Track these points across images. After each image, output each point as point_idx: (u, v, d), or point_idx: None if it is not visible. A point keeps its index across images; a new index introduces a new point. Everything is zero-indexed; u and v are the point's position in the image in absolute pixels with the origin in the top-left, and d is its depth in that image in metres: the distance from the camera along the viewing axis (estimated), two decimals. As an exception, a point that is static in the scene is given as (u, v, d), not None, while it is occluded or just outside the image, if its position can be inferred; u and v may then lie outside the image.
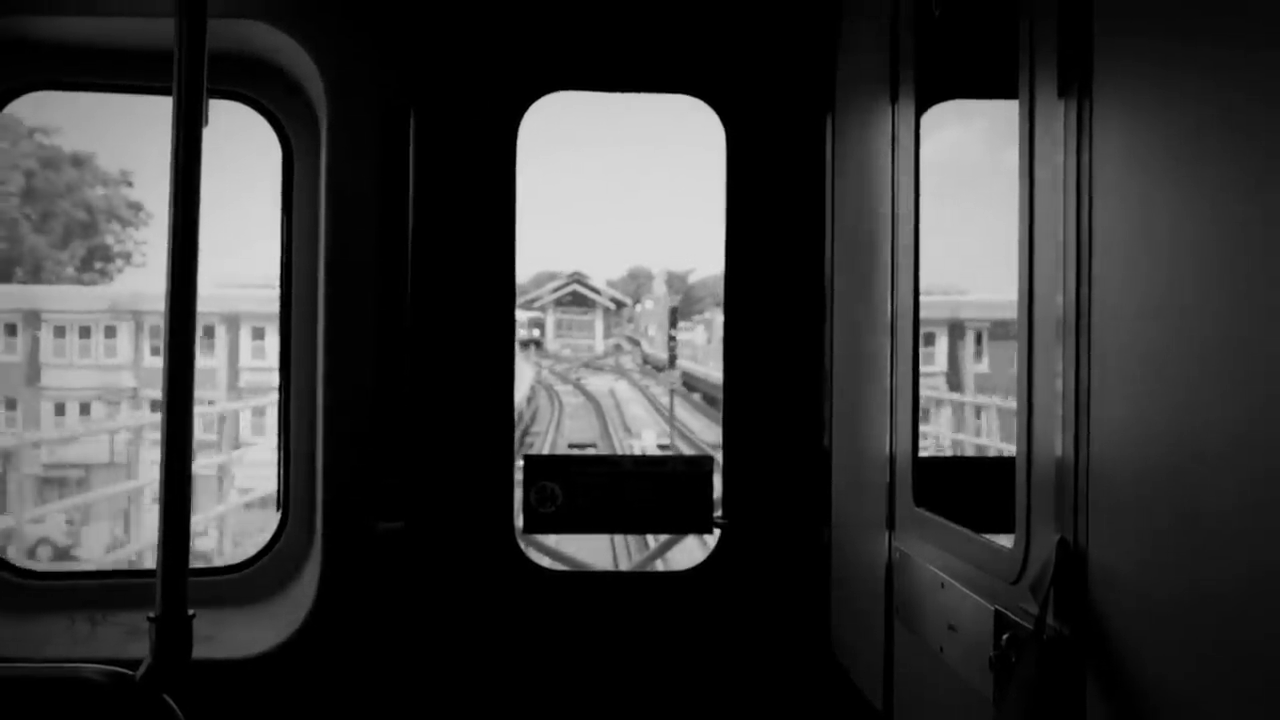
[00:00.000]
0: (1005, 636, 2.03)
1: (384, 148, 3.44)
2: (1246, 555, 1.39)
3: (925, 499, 2.74)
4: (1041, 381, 1.99)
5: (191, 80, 2.55)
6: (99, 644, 3.37)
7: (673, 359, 39.57)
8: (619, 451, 25.53)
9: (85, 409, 25.94)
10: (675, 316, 46.04)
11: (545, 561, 4.09)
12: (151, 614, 2.54)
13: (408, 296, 3.52)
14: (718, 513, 3.75)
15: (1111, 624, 1.72)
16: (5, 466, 9.85)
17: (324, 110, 3.43)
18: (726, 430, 3.83)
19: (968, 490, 2.92)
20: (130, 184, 36.89)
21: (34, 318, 26.84)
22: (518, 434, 28.20)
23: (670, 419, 29.04)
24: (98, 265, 35.75)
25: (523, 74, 3.67)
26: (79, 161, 34.66)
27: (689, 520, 3.73)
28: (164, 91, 2.78)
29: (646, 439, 27.41)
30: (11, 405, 25.06)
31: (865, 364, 3.21)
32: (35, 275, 32.29)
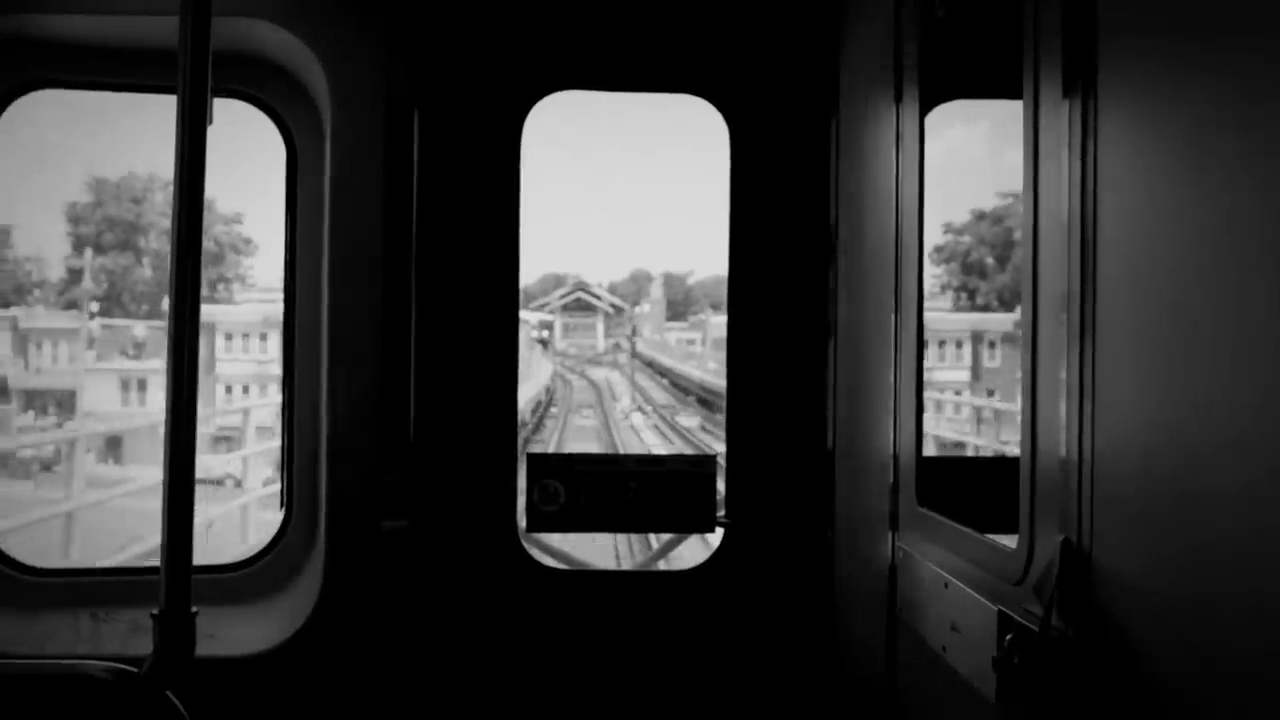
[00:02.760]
0: (1009, 637, 2.03)
1: (388, 147, 3.44)
2: (1250, 556, 1.39)
3: (929, 499, 2.74)
4: (1046, 381, 1.99)
5: (196, 79, 2.55)
6: (102, 641, 3.37)
7: (633, 353, 63.87)
8: (606, 411, 38.84)
9: (245, 390, 37.63)
10: (635, 330, 73.62)
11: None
12: (155, 611, 2.54)
13: (412, 295, 3.52)
14: (721, 512, 3.75)
15: (1115, 625, 1.72)
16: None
17: (328, 109, 3.43)
18: (730, 429, 3.83)
19: (971, 490, 2.92)
20: (240, 222, 50.36)
21: (210, 328, 37.48)
22: (544, 402, 37.54)
23: (631, 384, 48.82)
24: (220, 287, 48.68)
25: (527, 73, 3.67)
26: (206, 206, 45.43)
27: (692, 519, 3.73)
28: (168, 90, 2.78)
29: (624, 403, 42.43)
30: (190, 387, 36.29)
31: (868, 364, 3.21)
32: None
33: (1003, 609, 2.09)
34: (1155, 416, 1.63)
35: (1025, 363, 2.06)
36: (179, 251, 2.54)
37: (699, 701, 3.70)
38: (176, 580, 2.52)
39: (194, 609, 2.56)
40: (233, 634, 3.42)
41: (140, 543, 11.54)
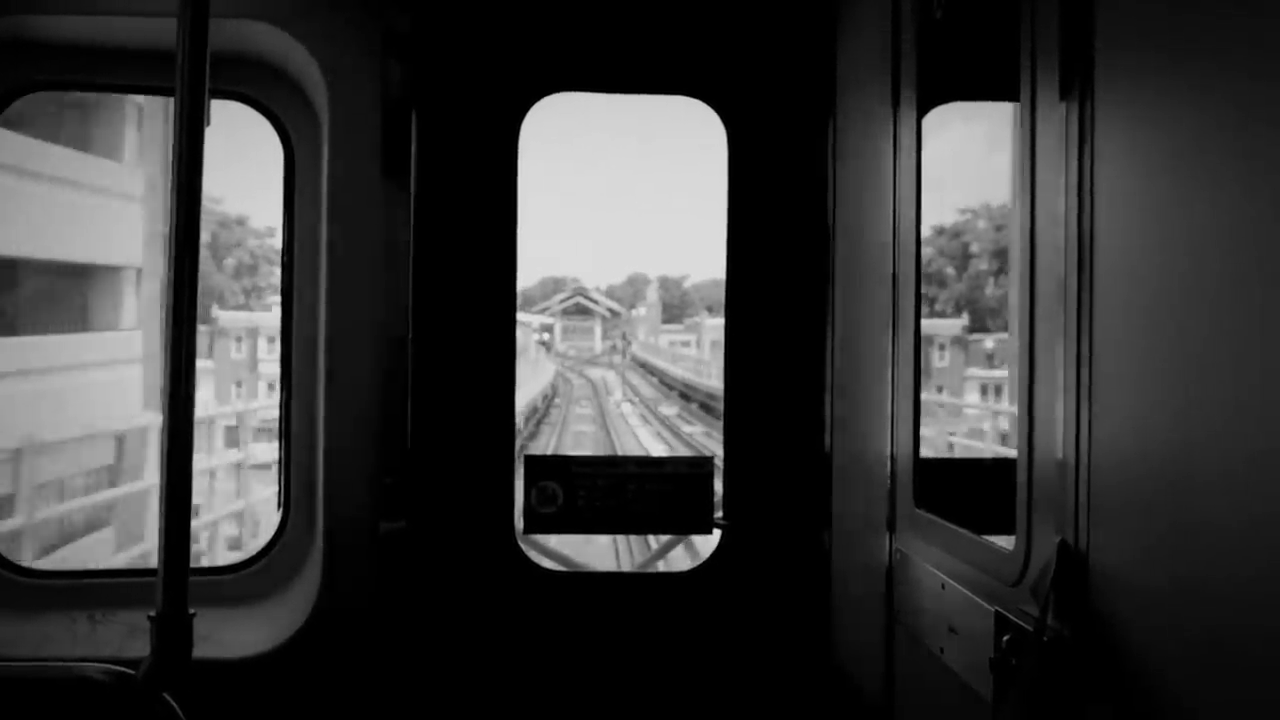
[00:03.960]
0: (1006, 638, 2.04)
1: (386, 148, 3.44)
2: (1246, 557, 1.39)
3: (926, 500, 2.75)
4: (1042, 383, 1.99)
5: (194, 80, 2.55)
6: (99, 643, 3.36)
7: (625, 353, 73.75)
8: (601, 403, 43.91)
9: (292, 388, 42.65)
10: (625, 335, 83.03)
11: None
12: (152, 613, 2.53)
13: (409, 297, 3.52)
14: (718, 514, 3.75)
15: (1112, 626, 1.73)
16: (239, 422, 16.18)
17: (325, 111, 3.43)
18: (728, 431, 3.83)
19: (969, 492, 2.93)
20: (273, 235, 54.02)
21: (254, 331, 42.39)
22: (550, 395, 44.68)
23: (623, 380, 56.84)
24: (255, 296, 53.83)
25: (524, 75, 3.68)
26: (241, 221, 52.63)
27: (689, 521, 3.73)
28: (166, 92, 2.78)
29: (616, 396, 48.28)
30: (239, 384, 39.64)
31: (866, 366, 3.21)
32: (221, 302, 47.40)
33: (1000, 610, 2.10)
34: (1152, 419, 1.64)
35: (1022, 365, 2.07)
36: (177, 253, 2.54)
37: (696, 703, 3.70)
38: (174, 582, 2.51)
39: (191, 611, 2.56)
40: (230, 636, 3.41)
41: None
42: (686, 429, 31.85)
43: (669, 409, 40.13)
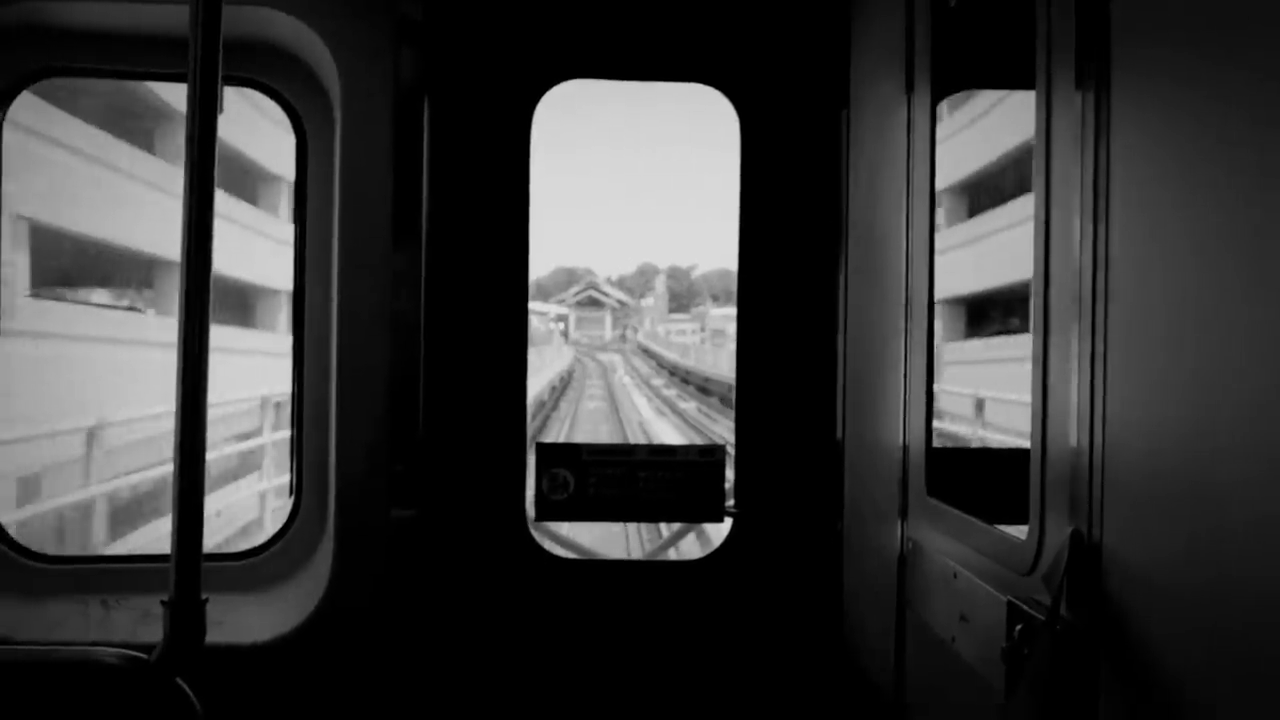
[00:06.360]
0: (1018, 628, 2.03)
1: (398, 135, 3.43)
2: (1261, 546, 1.39)
3: (938, 489, 2.74)
4: (1056, 372, 1.98)
5: (206, 67, 2.55)
6: (112, 628, 3.38)
7: (624, 338, 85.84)
8: (609, 379, 55.47)
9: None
10: (628, 326, 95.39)
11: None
12: (165, 598, 2.55)
13: (421, 283, 3.52)
14: (730, 502, 3.75)
15: (1125, 615, 1.72)
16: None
17: (338, 97, 3.42)
18: (740, 419, 3.83)
19: (981, 481, 2.92)
20: None
21: None
22: (571, 373, 58.58)
23: (626, 362, 71.44)
24: None
25: (538, 61, 3.67)
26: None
27: (701, 509, 3.73)
28: (179, 78, 2.78)
29: (620, 373, 60.55)
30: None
31: (878, 354, 3.20)
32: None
33: (1012, 599, 2.09)
34: (1166, 407, 1.63)
35: (1036, 353, 2.06)
36: (190, 243, 2.54)
37: (708, 690, 3.71)
38: (186, 568, 2.53)
39: (204, 596, 2.57)
40: (242, 622, 3.43)
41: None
42: (666, 392, 47.07)
43: (658, 381, 55.93)
